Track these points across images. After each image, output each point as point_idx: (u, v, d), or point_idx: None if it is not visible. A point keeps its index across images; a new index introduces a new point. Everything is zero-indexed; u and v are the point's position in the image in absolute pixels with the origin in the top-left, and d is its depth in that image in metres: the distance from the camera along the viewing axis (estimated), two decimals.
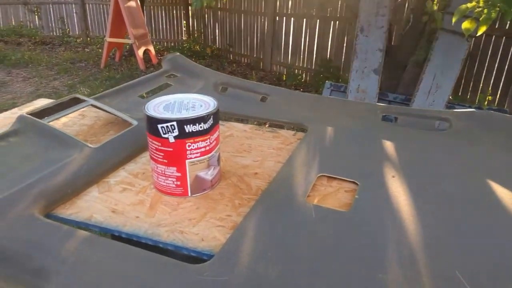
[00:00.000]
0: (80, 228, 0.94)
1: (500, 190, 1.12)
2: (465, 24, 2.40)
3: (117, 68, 7.07)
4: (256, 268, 0.82)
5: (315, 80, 6.29)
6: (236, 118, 1.65)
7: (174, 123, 0.97)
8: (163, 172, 1.06)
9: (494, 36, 4.45)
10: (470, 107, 3.93)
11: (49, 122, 1.34)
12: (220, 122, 1.60)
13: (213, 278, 0.78)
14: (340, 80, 5.94)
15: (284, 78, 6.82)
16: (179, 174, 1.05)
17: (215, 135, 1.08)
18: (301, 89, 5.99)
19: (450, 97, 3.70)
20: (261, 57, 7.42)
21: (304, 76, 6.77)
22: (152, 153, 1.06)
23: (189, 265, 0.81)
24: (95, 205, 1.05)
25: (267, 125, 1.62)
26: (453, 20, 2.32)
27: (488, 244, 0.91)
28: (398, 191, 1.11)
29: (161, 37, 8.87)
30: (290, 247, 0.88)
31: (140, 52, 6.90)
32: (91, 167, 1.15)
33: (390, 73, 4.13)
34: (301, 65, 6.79)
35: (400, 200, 1.07)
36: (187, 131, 0.99)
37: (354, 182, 1.16)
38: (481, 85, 4.65)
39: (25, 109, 1.65)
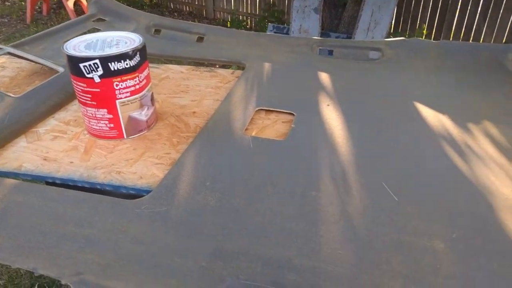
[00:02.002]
0: (9, 178, 0.90)
1: (425, 110, 1.20)
2: None
3: (46, 23, 6.48)
4: (195, 197, 0.83)
5: (260, 25, 6.16)
6: (171, 60, 1.60)
7: (97, 60, 0.92)
8: (93, 115, 1.02)
9: None
10: None
11: None
12: (155, 65, 1.55)
13: (151, 210, 0.79)
14: (286, 24, 5.86)
15: (228, 25, 6.61)
16: (111, 116, 1.01)
17: (145, 73, 1.04)
18: None
19: (391, 35, 3.79)
20: (204, 4, 7.09)
21: (249, 22, 6.60)
22: (79, 96, 1.00)
23: (126, 201, 0.81)
24: (24, 155, 1.00)
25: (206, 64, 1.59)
26: None
27: (411, 158, 0.98)
28: (332, 118, 1.15)
29: None
30: (228, 176, 0.90)
31: (70, 4, 6.32)
32: (15, 117, 1.08)
33: (331, 12, 4.12)
34: (245, 10, 6.59)
35: (334, 126, 1.11)
36: (112, 69, 0.94)
37: (291, 113, 1.19)
38: (418, 21, 4.79)
39: None
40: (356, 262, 0.69)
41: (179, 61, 1.67)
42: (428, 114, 1.17)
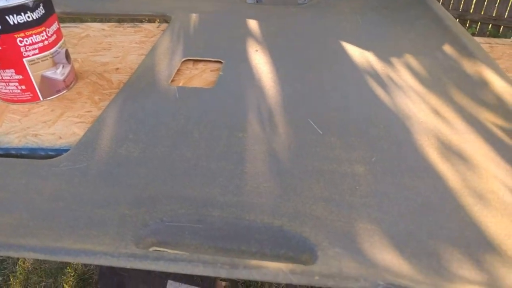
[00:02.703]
0: None
1: (351, 49, 1.21)
2: None
3: None
4: (117, 150, 0.80)
5: None
6: (92, 18, 1.50)
7: None
8: (0, 78, 0.94)
9: None
10: None
11: None
12: (74, 24, 1.44)
13: (70, 167, 0.76)
14: None
15: None
16: (20, 77, 0.94)
17: (54, 28, 0.96)
18: None
19: None
20: None
21: None
22: None
23: (42, 161, 0.77)
24: None
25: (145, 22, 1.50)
26: None
27: (336, 94, 1.00)
28: (260, 63, 1.14)
29: None
30: (153, 127, 0.87)
31: None
32: None
33: None
34: None
35: (262, 71, 1.10)
36: (12, 23, 0.86)
37: (219, 61, 1.16)
38: None
39: None
40: (279, 192, 0.70)
41: (100, 18, 1.57)
42: (354, 52, 1.19)
